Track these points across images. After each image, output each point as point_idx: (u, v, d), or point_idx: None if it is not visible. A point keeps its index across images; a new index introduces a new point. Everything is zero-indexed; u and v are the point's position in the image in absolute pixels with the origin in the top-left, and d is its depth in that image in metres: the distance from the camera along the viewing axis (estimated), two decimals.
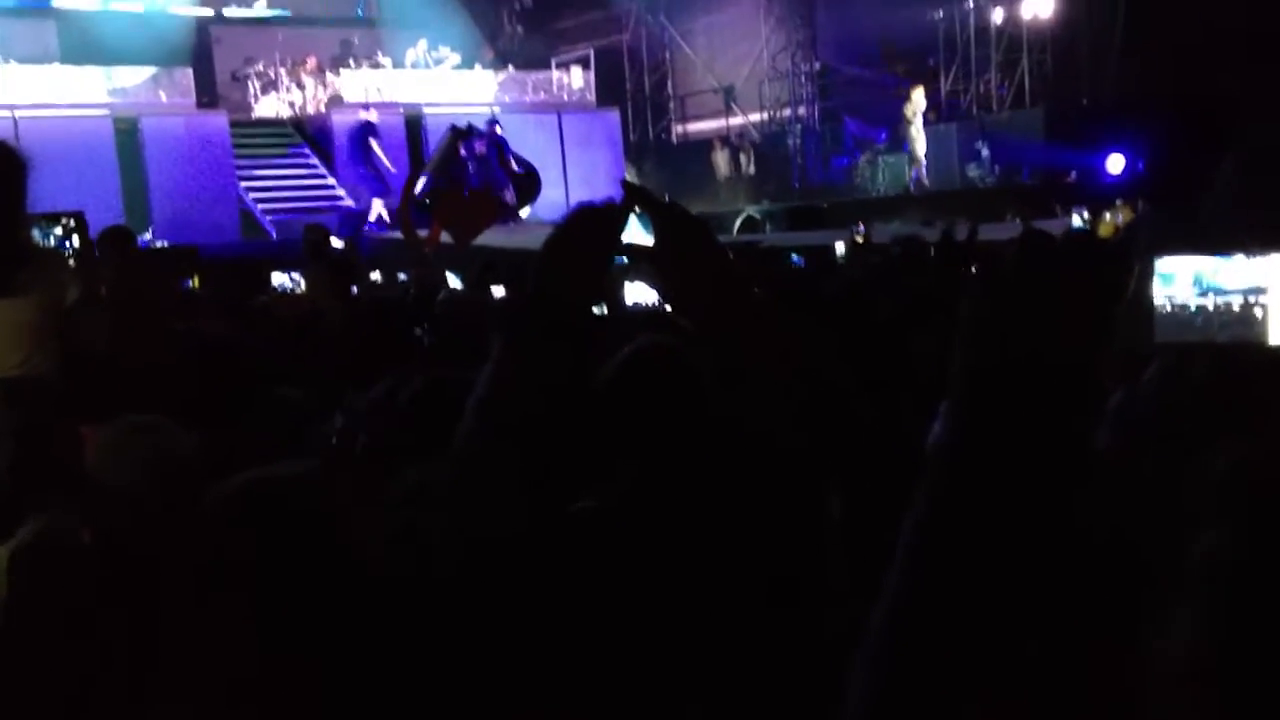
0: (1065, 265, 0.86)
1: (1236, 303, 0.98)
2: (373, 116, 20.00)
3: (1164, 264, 0.99)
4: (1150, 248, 0.99)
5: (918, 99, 17.59)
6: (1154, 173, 15.15)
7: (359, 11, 24.28)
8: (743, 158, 22.59)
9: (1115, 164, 16.05)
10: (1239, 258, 0.97)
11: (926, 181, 17.88)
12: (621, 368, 1.88)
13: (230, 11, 22.52)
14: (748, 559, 1.46)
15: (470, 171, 12.72)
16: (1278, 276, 0.96)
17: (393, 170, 18.47)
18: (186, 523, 1.25)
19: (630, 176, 22.03)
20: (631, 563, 1.45)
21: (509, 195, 14.72)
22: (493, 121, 17.86)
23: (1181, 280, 0.99)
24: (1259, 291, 0.96)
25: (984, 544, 0.80)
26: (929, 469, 0.84)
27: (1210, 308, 0.98)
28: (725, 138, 23.33)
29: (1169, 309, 1.00)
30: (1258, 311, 0.96)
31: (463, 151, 15.23)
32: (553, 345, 1.23)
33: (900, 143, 19.54)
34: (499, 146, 17.07)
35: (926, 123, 18.04)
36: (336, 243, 14.14)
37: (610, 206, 1.31)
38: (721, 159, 22.67)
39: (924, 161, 17.93)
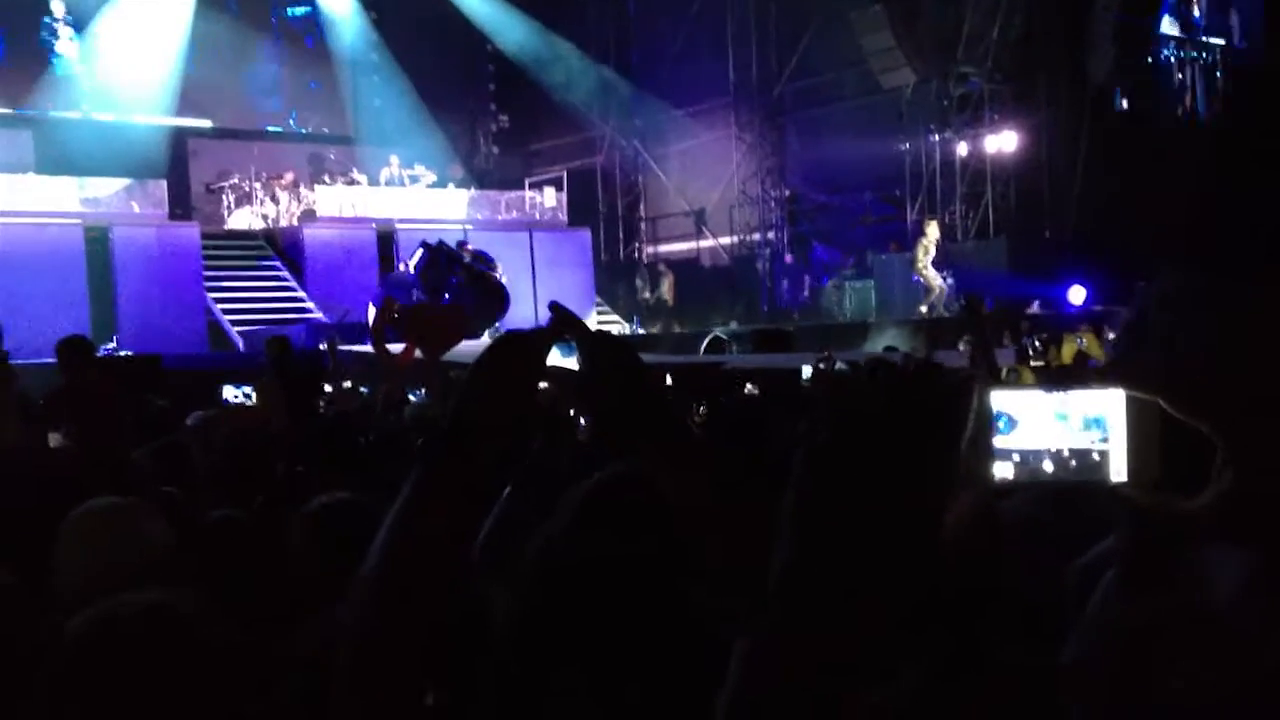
0: (897, 399, 0.85)
1: (1081, 440, 0.96)
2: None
3: (1005, 400, 0.97)
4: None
5: (932, 233, 17.60)
6: (1108, 303, 15.39)
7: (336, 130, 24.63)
8: (664, 284, 23.05)
9: (1076, 295, 16.31)
10: (1080, 392, 0.95)
11: (947, 312, 17.57)
12: (581, 501, 1.80)
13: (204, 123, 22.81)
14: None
15: (450, 283, 12.70)
16: (1118, 411, 0.94)
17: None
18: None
19: (600, 300, 22.21)
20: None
21: (481, 310, 14.71)
22: (462, 242, 17.96)
23: (1030, 417, 0.97)
24: (1100, 426, 0.94)
25: None
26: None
27: (1057, 446, 0.96)
28: (653, 263, 23.93)
29: (1022, 448, 0.98)
30: (1100, 448, 0.95)
31: (438, 263, 15.23)
32: (471, 476, 1.20)
33: (867, 269, 19.80)
34: (473, 262, 17.09)
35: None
36: (323, 345, 14.10)
37: (537, 332, 1.28)
38: (639, 283, 23.24)
39: (941, 291, 17.60)
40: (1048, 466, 0.94)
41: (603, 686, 1.45)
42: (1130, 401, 0.92)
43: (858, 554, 0.81)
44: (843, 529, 0.81)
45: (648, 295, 23.35)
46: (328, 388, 8.21)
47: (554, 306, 1.30)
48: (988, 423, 0.95)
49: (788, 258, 22.13)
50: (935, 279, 17.50)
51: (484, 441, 1.22)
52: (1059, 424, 0.93)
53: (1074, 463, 0.93)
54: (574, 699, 1.44)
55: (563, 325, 1.28)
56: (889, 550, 0.81)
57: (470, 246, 17.19)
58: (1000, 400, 0.95)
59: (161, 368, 12.12)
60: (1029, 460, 0.94)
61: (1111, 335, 14.17)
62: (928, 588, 0.82)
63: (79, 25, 21.20)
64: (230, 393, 7.32)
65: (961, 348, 14.13)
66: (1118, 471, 0.93)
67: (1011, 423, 0.95)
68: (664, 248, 25.21)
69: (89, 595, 2.53)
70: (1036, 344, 10.86)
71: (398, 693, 1.14)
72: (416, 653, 1.16)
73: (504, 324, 17.72)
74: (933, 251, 17.54)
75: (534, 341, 1.27)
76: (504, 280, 17.23)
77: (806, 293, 21.44)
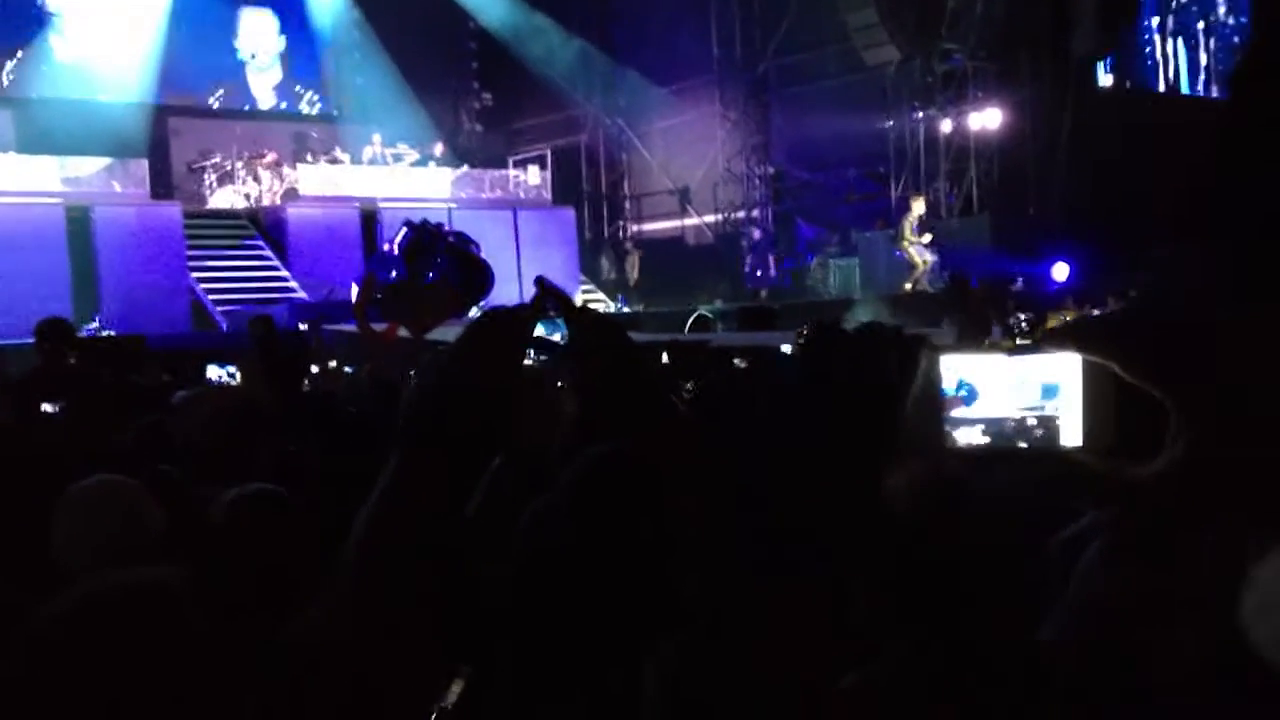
0: (838, 359, 0.86)
1: (1039, 407, 0.96)
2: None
3: (965, 369, 0.97)
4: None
5: (917, 208, 17.53)
6: (1092, 281, 15.44)
7: (318, 107, 24.49)
8: (630, 262, 23.08)
9: (1060, 272, 16.33)
10: (1037, 359, 0.95)
11: (931, 289, 17.51)
12: (577, 478, 1.80)
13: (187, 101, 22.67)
14: None
15: (435, 262, 12.64)
16: (1074, 377, 0.94)
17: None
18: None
19: (585, 279, 22.19)
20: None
21: (467, 289, 14.65)
22: (440, 224, 17.84)
23: (990, 386, 0.98)
24: (1056, 393, 0.95)
25: None
26: None
27: (1017, 414, 0.97)
28: (619, 241, 23.94)
29: (984, 416, 0.98)
30: (1056, 415, 0.95)
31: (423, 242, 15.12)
32: (454, 455, 1.18)
33: (851, 246, 19.80)
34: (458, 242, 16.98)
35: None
36: (303, 326, 14.06)
37: (521, 308, 1.28)
38: (605, 262, 23.25)
39: (924, 267, 17.50)
40: (1008, 434, 0.94)
41: (589, 664, 1.45)
42: (1086, 366, 0.92)
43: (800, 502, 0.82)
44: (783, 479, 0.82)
45: (613, 276, 23.36)
46: (314, 368, 8.19)
47: (540, 282, 1.29)
48: (937, 386, 0.96)
49: (756, 233, 22.09)
50: (919, 255, 17.48)
51: (468, 418, 1.20)
52: (1018, 392, 0.93)
53: (1035, 430, 0.93)
54: (562, 676, 1.44)
55: (549, 300, 1.27)
56: (826, 498, 0.82)
57: (448, 228, 17.07)
58: (961, 369, 0.95)
59: (147, 348, 12.08)
60: (991, 428, 0.94)
61: (1097, 313, 14.20)
62: (882, 549, 0.83)
63: (59, 3, 21.03)
64: (215, 372, 7.29)
65: (945, 325, 14.17)
66: (1073, 437, 0.93)
67: (973, 392, 0.95)
68: (648, 226, 25.17)
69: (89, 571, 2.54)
70: (1023, 323, 10.89)
71: (389, 669, 1.14)
72: (408, 628, 1.15)
73: (488, 303, 17.72)
74: (917, 227, 17.51)
75: (518, 317, 1.26)
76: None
77: (791, 271, 21.45)
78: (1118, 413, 0.91)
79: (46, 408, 5.07)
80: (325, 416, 5.03)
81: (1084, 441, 0.93)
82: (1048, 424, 0.94)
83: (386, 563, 1.14)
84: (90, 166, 18.95)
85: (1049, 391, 0.93)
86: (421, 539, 1.15)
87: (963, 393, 0.95)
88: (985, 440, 0.95)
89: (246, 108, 23.93)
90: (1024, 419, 0.94)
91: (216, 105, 23.42)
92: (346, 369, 9.80)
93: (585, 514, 1.64)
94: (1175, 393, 0.86)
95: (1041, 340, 0.94)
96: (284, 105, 24.43)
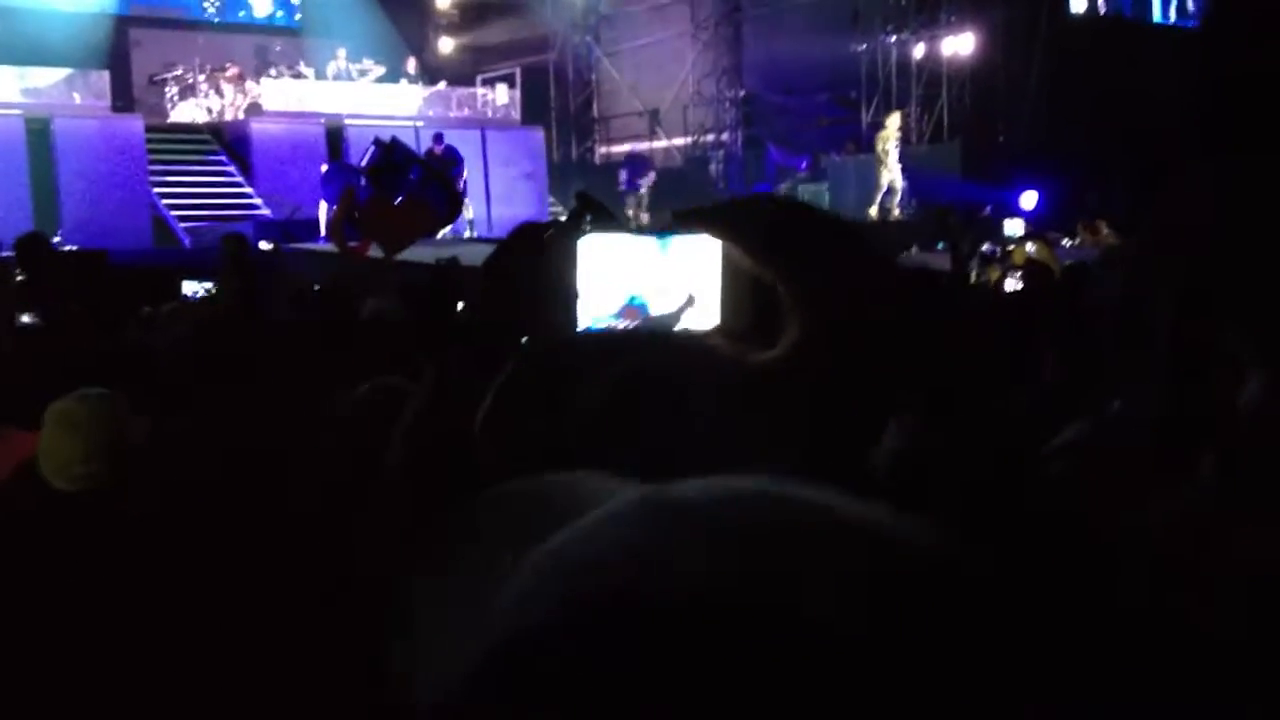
0: None
1: (682, 291, 0.97)
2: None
3: (614, 255, 0.98)
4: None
5: (892, 125, 17.30)
6: (1060, 210, 15.52)
7: (282, 18, 24.01)
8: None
9: (1028, 200, 16.41)
10: (681, 244, 0.96)
11: (898, 211, 17.37)
12: (610, 392, 1.77)
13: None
14: None
15: (408, 179, 12.41)
16: (713, 261, 0.95)
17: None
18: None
19: (554, 200, 22.02)
20: None
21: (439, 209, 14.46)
22: (438, 135, 17.53)
23: (642, 275, 0.98)
24: (697, 277, 0.96)
25: None
26: None
27: (663, 299, 0.98)
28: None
29: (636, 301, 0.99)
30: (697, 298, 0.96)
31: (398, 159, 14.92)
32: (488, 376, 1.19)
33: (821, 171, 19.75)
34: (442, 161, 16.72)
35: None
36: (266, 245, 13.91)
37: (556, 223, 1.27)
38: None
39: (898, 189, 17.36)
40: (654, 317, 0.95)
41: None
42: (724, 250, 0.92)
43: None
44: None
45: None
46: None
47: (580, 195, 1.28)
48: (570, 276, 0.97)
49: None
50: (887, 175, 17.34)
51: (506, 336, 1.21)
52: (665, 276, 0.94)
53: (677, 314, 0.94)
54: None
55: (590, 211, 1.25)
56: None
57: (441, 147, 16.82)
58: (609, 255, 0.97)
59: (107, 263, 11.91)
60: (642, 314, 0.95)
61: (1066, 242, 14.30)
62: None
63: None
64: (190, 287, 7.22)
65: (914, 251, 14.21)
66: (711, 320, 0.94)
67: (644, 306, 0.96)
68: (616, 148, 24.98)
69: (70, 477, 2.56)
70: (998, 252, 10.96)
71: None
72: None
73: (457, 227, 17.57)
74: (895, 145, 17.30)
75: (559, 229, 1.26)
76: (465, 180, 16.99)
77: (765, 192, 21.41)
78: (753, 296, 0.91)
79: (24, 319, 5.04)
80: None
81: (720, 323, 0.94)
82: (690, 308, 0.94)
83: (423, 470, 1.16)
84: (50, 77, 18.55)
85: (692, 275, 0.94)
86: (460, 444, 1.17)
87: (634, 306, 0.97)
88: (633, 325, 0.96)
89: (242, 15, 23.36)
90: (671, 304, 0.95)
91: (215, 14, 22.93)
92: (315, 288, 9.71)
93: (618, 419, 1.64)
94: (782, 273, 0.86)
95: (675, 222, 0.94)
96: (242, 14, 23.89)
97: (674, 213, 0.95)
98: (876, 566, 0.45)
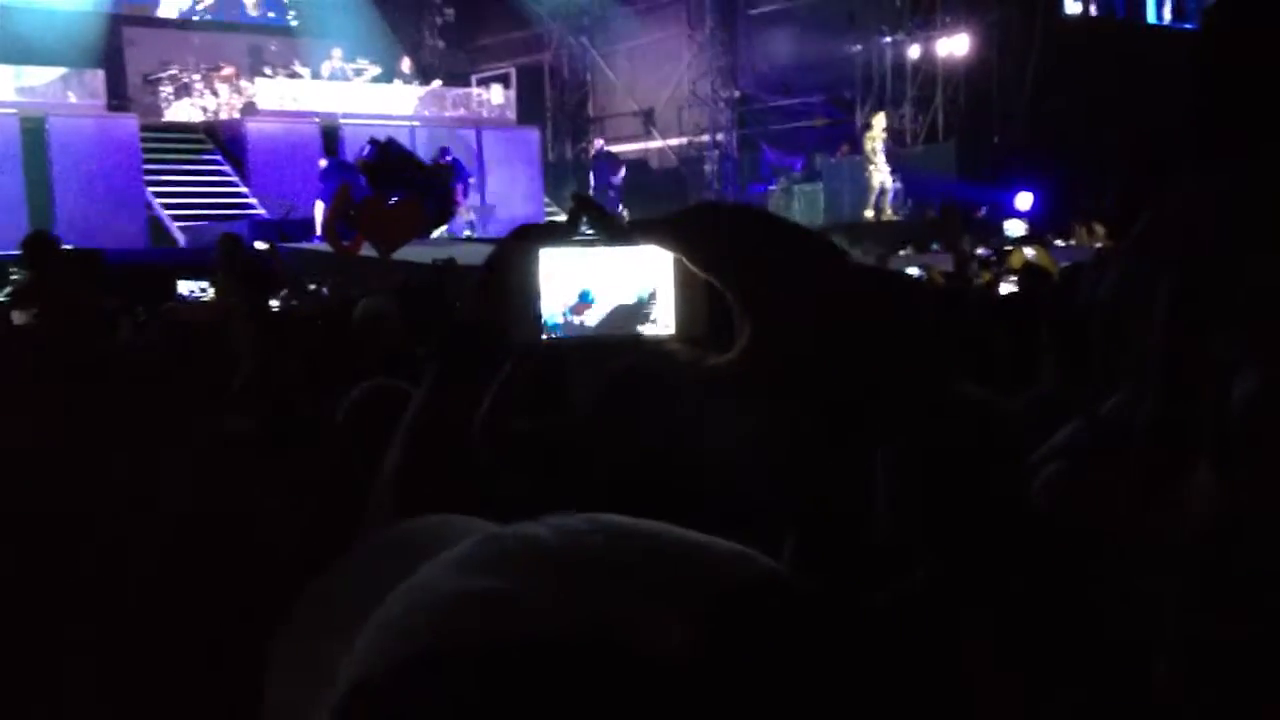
0: None
1: (636, 298, 0.99)
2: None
3: (577, 270, 1.00)
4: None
5: (878, 125, 17.35)
6: (1054, 211, 15.55)
7: (277, 17, 23.97)
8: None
9: (1023, 201, 16.43)
10: (631, 255, 0.98)
11: (890, 210, 17.48)
12: (608, 392, 1.79)
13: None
14: None
15: (404, 179, 12.39)
16: (665, 269, 0.97)
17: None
18: None
19: (550, 200, 22.03)
20: None
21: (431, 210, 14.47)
22: (445, 149, 17.52)
23: (601, 286, 1.01)
24: (648, 285, 0.98)
25: None
26: None
27: (619, 309, 1.00)
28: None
29: (598, 314, 1.01)
30: (648, 307, 0.98)
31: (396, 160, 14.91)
32: (486, 378, 1.20)
33: (816, 172, 19.78)
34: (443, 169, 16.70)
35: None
36: (261, 245, 13.87)
37: (553, 224, 1.28)
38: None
39: (889, 189, 17.41)
40: (619, 325, 0.97)
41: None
42: (675, 259, 0.94)
43: None
44: None
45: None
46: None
47: (576, 197, 1.29)
48: (532, 278, 0.99)
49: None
50: (878, 178, 17.38)
51: (502, 339, 1.22)
52: (622, 287, 0.96)
53: (633, 323, 0.96)
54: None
55: (586, 212, 1.26)
56: None
57: (448, 159, 16.78)
58: (572, 270, 0.98)
59: (103, 263, 11.89)
60: (605, 323, 0.97)
61: (1059, 242, 14.32)
62: None
63: None
64: (186, 287, 7.21)
65: (904, 252, 14.24)
66: (665, 328, 0.95)
67: (587, 295, 0.98)
68: (612, 148, 24.97)
69: None
70: (992, 255, 10.99)
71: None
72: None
73: (455, 227, 17.58)
74: (883, 147, 17.36)
75: (554, 232, 1.26)
76: (469, 185, 17.04)
77: (758, 196, 21.41)
78: (708, 303, 0.93)
79: (17, 317, 5.04)
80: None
81: (676, 330, 0.96)
82: (648, 313, 0.96)
83: (430, 469, 1.17)
84: (45, 76, 18.52)
85: (643, 284, 0.96)
86: (460, 444, 1.18)
87: (586, 302, 0.98)
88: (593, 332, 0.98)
89: (203, 18, 23.36)
90: (634, 310, 0.97)
91: (208, 13, 22.88)
92: (310, 286, 9.73)
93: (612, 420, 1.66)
94: (730, 282, 0.87)
95: (627, 230, 0.96)
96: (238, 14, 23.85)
97: (630, 222, 0.96)
98: (704, 593, 0.46)
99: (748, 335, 0.84)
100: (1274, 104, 1.24)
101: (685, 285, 0.94)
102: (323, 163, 16.02)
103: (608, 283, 0.97)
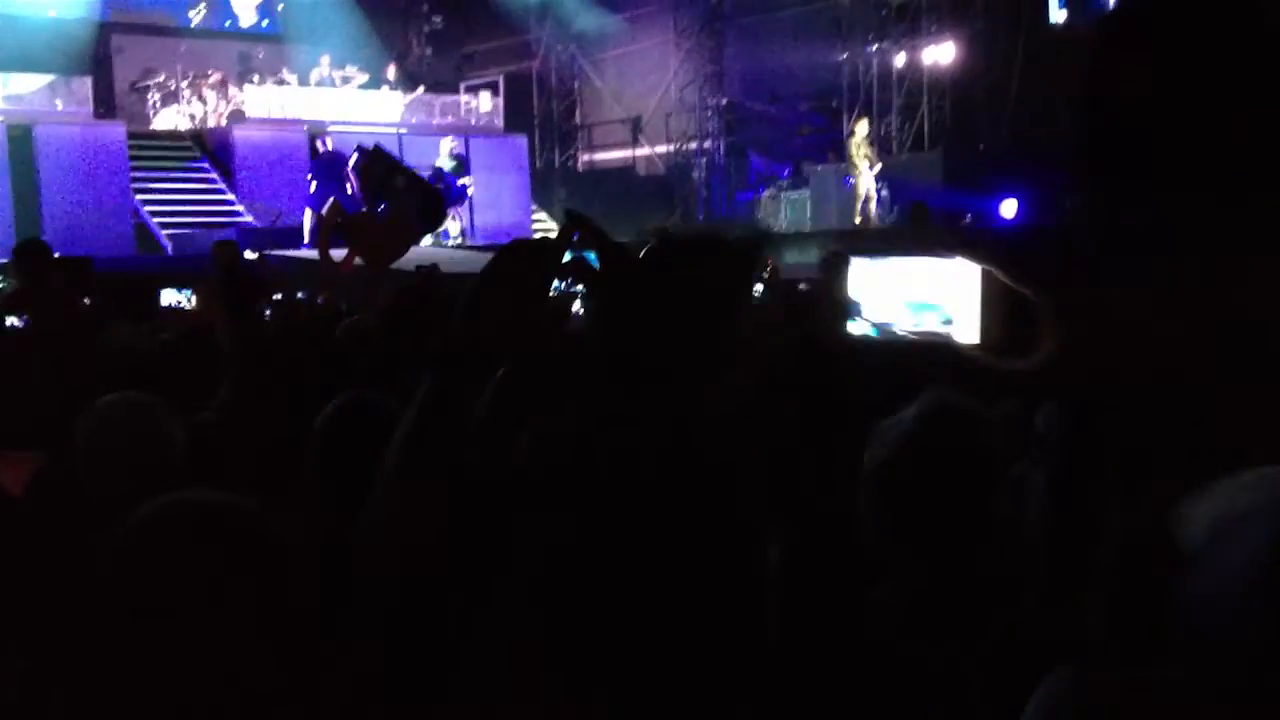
0: (681, 261, 0.96)
1: (929, 305, 1.05)
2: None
3: (868, 267, 1.06)
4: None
5: (860, 132, 17.30)
6: (1039, 219, 15.58)
7: (264, 25, 23.96)
8: None
9: (1009, 208, 16.46)
10: (927, 261, 1.04)
11: (874, 217, 17.39)
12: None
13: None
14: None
15: (392, 187, 12.33)
16: (963, 281, 1.03)
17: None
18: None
19: (537, 208, 22.03)
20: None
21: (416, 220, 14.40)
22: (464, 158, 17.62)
23: (874, 297, 1.07)
24: (936, 308, 1.03)
25: None
26: None
27: (902, 311, 1.06)
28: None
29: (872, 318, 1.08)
30: (943, 323, 1.04)
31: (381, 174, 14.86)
32: (479, 388, 1.21)
33: (803, 180, 19.77)
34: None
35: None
36: (250, 254, 13.87)
37: (545, 240, 1.30)
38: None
39: (874, 196, 17.35)
40: (898, 332, 1.02)
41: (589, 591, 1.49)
42: (984, 275, 0.99)
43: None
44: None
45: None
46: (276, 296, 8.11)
47: (570, 213, 1.30)
48: (843, 292, 1.04)
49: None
50: (864, 183, 17.30)
51: (493, 353, 1.24)
52: (901, 302, 1.01)
53: (931, 327, 1.01)
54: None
55: (578, 228, 1.26)
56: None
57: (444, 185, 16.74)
58: (858, 279, 1.03)
59: (93, 270, 11.86)
60: (882, 329, 1.03)
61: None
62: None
63: None
64: (170, 296, 7.21)
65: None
66: (970, 335, 1.01)
67: (857, 307, 1.03)
68: (599, 155, 25.01)
69: (114, 488, 2.53)
70: None
71: (415, 588, 1.19)
72: (430, 550, 1.20)
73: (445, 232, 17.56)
74: (866, 152, 17.26)
75: (544, 249, 1.28)
76: (469, 190, 17.12)
77: (746, 203, 21.43)
78: (1009, 316, 0.98)
79: (13, 322, 5.05)
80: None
81: (980, 339, 1.01)
82: (943, 322, 1.02)
83: (423, 481, 1.19)
84: (32, 84, 18.49)
85: (927, 307, 1.02)
86: (453, 458, 1.20)
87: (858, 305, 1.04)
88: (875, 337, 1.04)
89: (227, 24, 23.31)
90: (918, 318, 1.03)
91: (199, 22, 22.85)
92: (299, 295, 9.71)
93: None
94: (1043, 294, 0.93)
95: (933, 245, 1.02)
96: (227, 23, 23.81)
97: (943, 233, 1.02)
98: None
99: (1055, 343, 0.90)
100: (1126, 135, 1.25)
101: (994, 298, 0.99)
102: (319, 149, 16.09)
103: (913, 291, 1.02)
